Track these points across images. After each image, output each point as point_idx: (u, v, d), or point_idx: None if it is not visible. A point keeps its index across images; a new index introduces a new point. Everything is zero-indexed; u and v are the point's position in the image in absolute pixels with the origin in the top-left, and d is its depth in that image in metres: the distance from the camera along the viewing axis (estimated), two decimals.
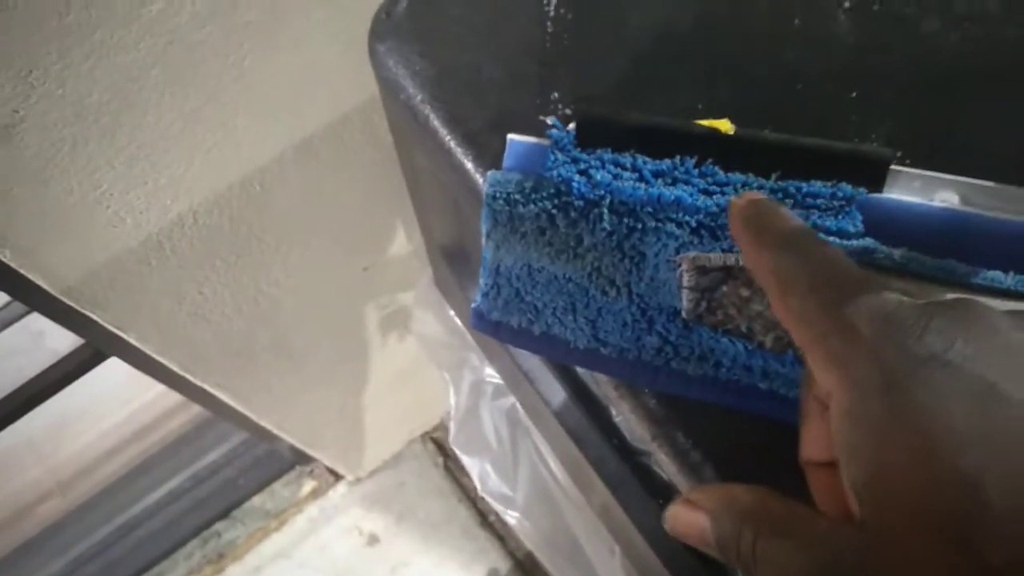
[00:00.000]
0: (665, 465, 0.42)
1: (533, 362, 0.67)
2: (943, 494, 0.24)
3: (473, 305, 0.43)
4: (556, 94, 0.43)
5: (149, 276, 0.66)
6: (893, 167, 0.37)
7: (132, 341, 0.73)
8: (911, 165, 0.38)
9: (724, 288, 0.38)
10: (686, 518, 0.31)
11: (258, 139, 0.61)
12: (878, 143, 0.41)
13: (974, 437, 0.24)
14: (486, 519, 1.56)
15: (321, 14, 0.55)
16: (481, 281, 0.43)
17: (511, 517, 0.82)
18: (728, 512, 0.29)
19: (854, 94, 0.42)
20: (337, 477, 1.62)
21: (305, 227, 0.74)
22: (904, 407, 0.25)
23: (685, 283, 0.38)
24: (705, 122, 0.39)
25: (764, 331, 0.38)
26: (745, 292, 0.38)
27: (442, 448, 1.62)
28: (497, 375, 0.81)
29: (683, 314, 0.39)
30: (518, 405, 0.81)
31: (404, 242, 0.86)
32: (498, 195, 0.40)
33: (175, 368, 0.81)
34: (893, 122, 0.42)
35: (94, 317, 0.66)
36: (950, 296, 0.28)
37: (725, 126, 0.38)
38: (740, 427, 0.40)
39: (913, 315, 0.26)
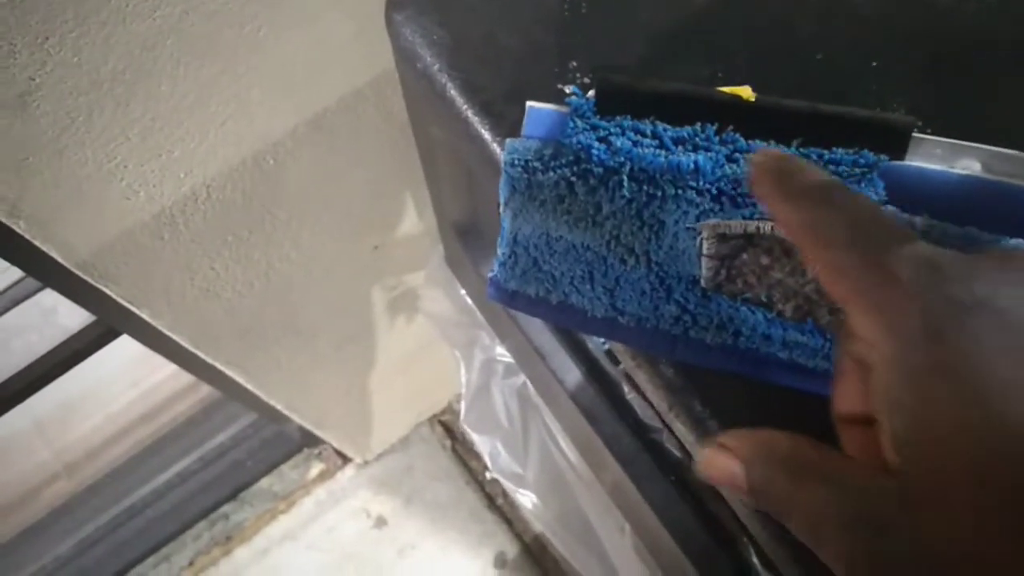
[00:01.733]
0: (682, 435, 0.42)
1: (545, 339, 0.67)
2: (988, 443, 0.23)
3: (490, 274, 0.43)
4: (574, 63, 0.43)
5: (162, 250, 0.66)
6: (915, 134, 0.37)
7: (144, 317, 0.73)
8: (932, 134, 0.38)
9: (744, 256, 0.38)
10: (719, 463, 0.30)
11: (272, 113, 0.61)
12: (899, 112, 0.41)
13: (1016, 383, 0.24)
14: (493, 502, 1.57)
15: None
16: (498, 250, 0.43)
17: (521, 495, 0.83)
18: (762, 458, 0.29)
19: (874, 64, 0.42)
20: (345, 460, 1.62)
21: (317, 203, 0.74)
22: (950, 355, 0.25)
23: (705, 251, 0.38)
24: (726, 89, 0.38)
25: (784, 300, 0.38)
26: (765, 260, 0.37)
27: (450, 431, 1.63)
28: (508, 354, 0.81)
29: (702, 283, 0.39)
30: (529, 384, 0.81)
31: (415, 221, 0.86)
32: (516, 162, 0.39)
33: (186, 345, 0.81)
34: (913, 92, 0.41)
35: (107, 291, 0.66)
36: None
37: (746, 93, 0.38)
38: (758, 396, 0.40)
39: (959, 263, 0.26)
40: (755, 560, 0.57)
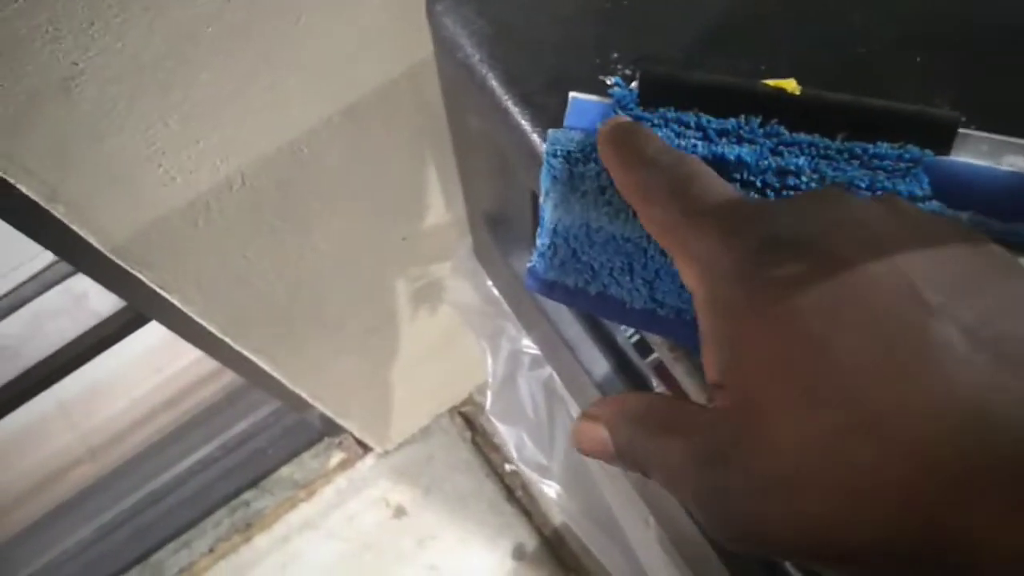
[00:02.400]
0: None
1: (574, 331, 0.68)
2: (794, 361, 0.24)
3: (528, 265, 0.43)
4: (615, 54, 0.43)
5: (196, 237, 0.66)
6: (961, 130, 0.37)
7: (175, 302, 0.74)
8: (978, 130, 0.38)
9: None
10: (589, 433, 0.31)
11: (308, 101, 0.61)
12: (944, 108, 0.41)
13: (819, 307, 0.25)
14: (513, 494, 1.57)
15: None
16: (538, 241, 0.43)
17: (546, 487, 0.83)
18: (623, 420, 0.30)
19: (918, 59, 0.42)
20: (365, 449, 1.63)
21: (349, 193, 0.74)
22: (753, 289, 0.26)
23: None
24: (771, 82, 0.38)
25: None
26: None
27: (470, 423, 1.63)
28: (534, 346, 0.82)
29: None
30: (555, 376, 0.81)
31: (443, 212, 0.87)
32: (558, 153, 0.40)
33: (215, 331, 0.82)
34: (958, 88, 0.41)
35: (140, 277, 0.67)
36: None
37: (791, 86, 0.38)
38: None
39: (764, 204, 0.29)
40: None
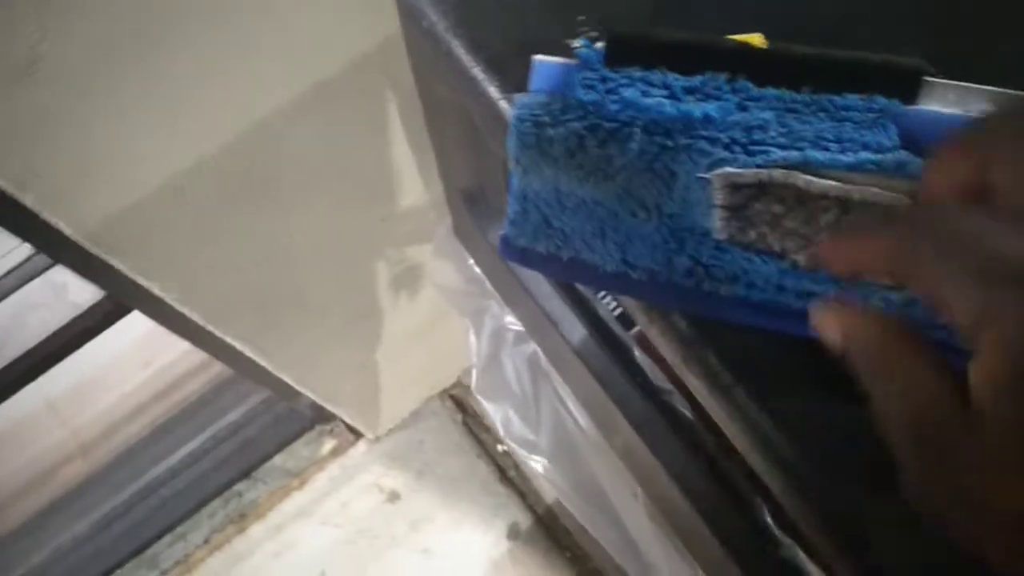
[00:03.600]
0: (695, 388, 0.42)
1: (555, 304, 0.67)
2: None
3: (501, 232, 0.43)
4: (581, 16, 0.43)
5: (169, 224, 0.66)
6: (927, 79, 0.36)
7: (154, 291, 0.73)
8: (946, 78, 0.37)
9: (757, 205, 0.37)
10: (826, 328, 0.31)
11: (278, 82, 0.60)
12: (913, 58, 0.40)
13: None
14: (505, 474, 1.57)
15: None
16: (508, 208, 0.42)
17: (534, 462, 0.83)
18: (859, 341, 0.30)
19: (887, 9, 0.41)
20: (357, 435, 1.63)
21: (324, 175, 0.73)
22: None
23: (717, 201, 0.38)
24: (737, 37, 0.38)
25: (797, 249, 0.38)
26: (778, 208, 0.37)
27: (460, 405, 1.63)
28: (518, 322, 0.82)
29: (715, 234, 0.38)
30: (539, 351, 0.81)
31: (422, 192, 0.86)
32: (525, 118, 0.39)
33: (198, 320, 0.81)
34: (928, 37, 0.41)
35: (116, 265, 0.66)
36: None
37: (757, 40, 0.38)
38: (772, 347, 0.40)
39: None
40: (769, 520, 0.57)
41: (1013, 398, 0.24)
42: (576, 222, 0.41)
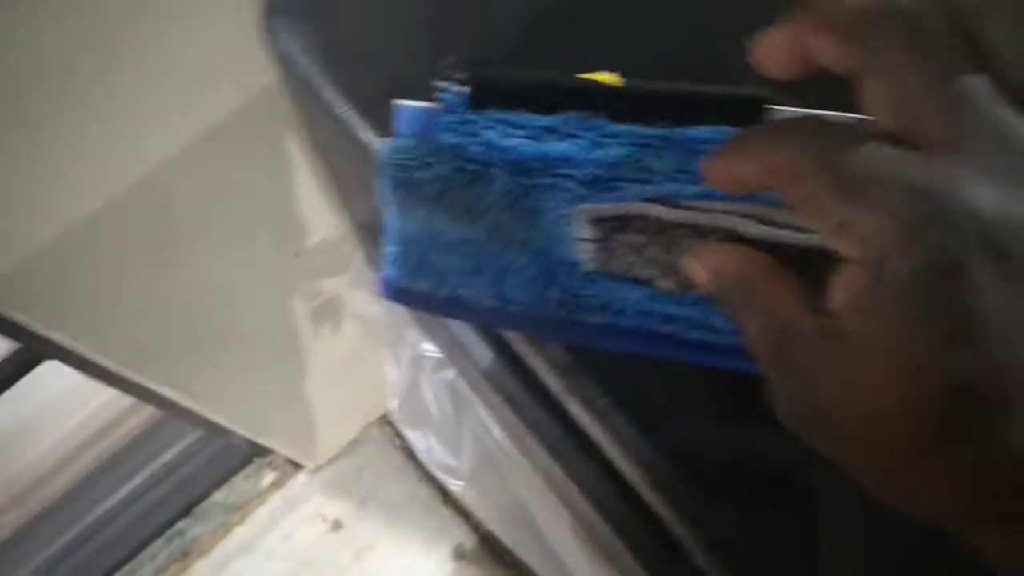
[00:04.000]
0: (578, 415, 0.43)
1: (464, 330, 0.68)
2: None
3: (380, 275, 0.44)
4: (449, 59, 0.44)
5: (70, 274, 0.65)
6: (769, 106, 0.38)
7: (64, 342, 0.73)
8: (807, 106, 0.39)
9: (619, 236, 0.39)
10: (694, 271, 0.34)
11: (166, 129, 0.61)
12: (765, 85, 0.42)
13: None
14: (448, 496, 1.57)
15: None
16: (385, 250, 0.43)
17: (456, 486, 0.83)
18: (719, 275, 0.33)
19: (745, 38, 0.43)
20: (296, 466, 1.62)
21: (228, 215, 0.73)
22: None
23: (581, 235, 0.39)
24: (592, 75, 0.39)
25: (663, 276, 0.39)
26: (639, 239, 0.38)
27: (399, 430, 1.63)
28: (436, 349, 0.82)
29: (582, 266, 0.40)
30: (459, 376, 0.81)
31: (334, 225, 0.86)
32: (392, 162, 0.40)
33: (113, 367, 0.81)
34: None
35: (20, 319, 0.66)
36: None
37: (610, 78, 0.39)
38: (644, 372, 0.41)
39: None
40: (679, 533, 0.59)
41: (865, 304, 0.25)
42: (452, 260, 0.42)
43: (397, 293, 0.44)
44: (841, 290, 0.27)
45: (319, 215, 0.83)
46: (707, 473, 0.40)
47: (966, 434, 0.24)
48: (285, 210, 0.79)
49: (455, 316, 0.43)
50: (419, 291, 0.43)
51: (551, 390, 0.57)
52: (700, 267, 0.34)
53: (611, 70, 0.40)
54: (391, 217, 0.42)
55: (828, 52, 0.29)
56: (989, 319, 0.24)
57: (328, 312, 1.04)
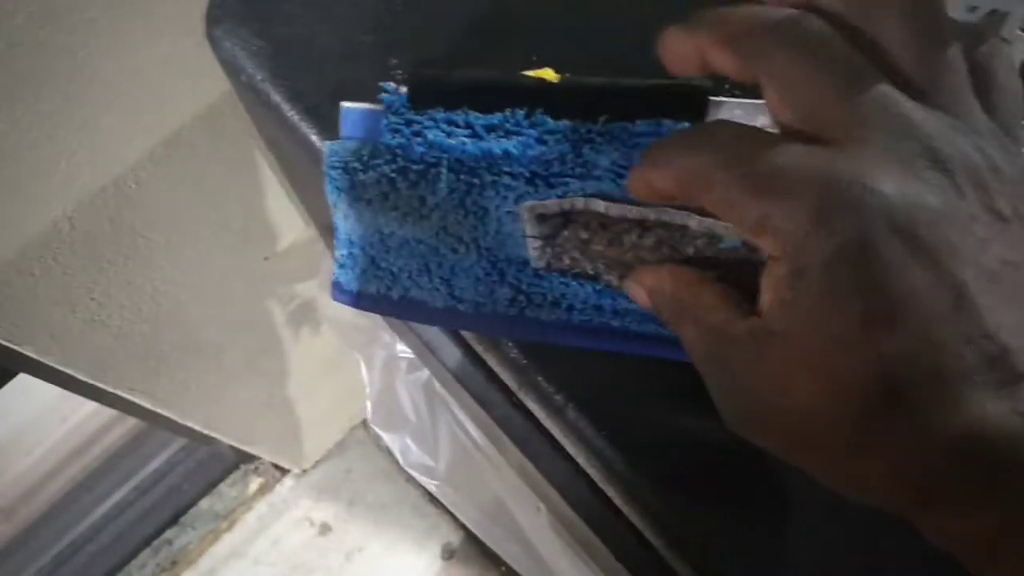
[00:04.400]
0: (535, 411, 0.43)
1: (432, 331, 0.68)
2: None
3: (332, 278, 0.44)
4: (394, 60, 0.44)
5: (35, 287, 0.65)
6: (713, 98, 0.38)
7: (32, 355, 0.73)
8: (743, 95, 0.39)
9: (565, 233, 0.39)
10: (634, 292, 0.36)
11: (125, 136, 0.60)
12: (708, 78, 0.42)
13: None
14: (435, 496, 1.57)
15: (170, 7, 0.55)
16: (336, 253, 0.43)
17: (435, 487, 0.83)
18: (656, 293, 0.34)
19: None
20: (283, 471, 1.62)
21: (193, 220, 0.73)
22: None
23: (528, 232, 0.39)
24: (531, 72, 0.39)
25: (609, 270, 0.39)
26: (584, 234, 0.38)
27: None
28: (409, 350, 0.82)
29: (531, 263, 0.40)
30: (432, 376, 0.81)
31: (303, 228, 0.86)
32: (336, 165, 0.40)
33: (83, 378, 0.81)
34: None
35: None
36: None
37: (549, 75, 0.39)
38: (597, 366, 0.41)
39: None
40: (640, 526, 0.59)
41: (786, 298, 0.26)
42: (401, 261, 0.42)
43: (349, 296, 0.44)
44: (767, 289, 0.27)
45: (287, 219, 0.83)
46: (665, 466, 0.40)
47: (898, 415, 0.24)
48: (251, 216, 0.79)
49: (409, 317, 0.43)
50: (371, 293, 0.43)
51: (510, 388, 0.57)
52: (638, 288, 0.35)
53: (554, 68, 0.40)
54: (339, 220, 0.42)
55: (726, 65, 0.29)
56: (905, 297, 0.24)
57: (305, 315, 1.04)
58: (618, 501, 0.41)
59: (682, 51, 0.31)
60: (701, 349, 0.30)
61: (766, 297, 0.27)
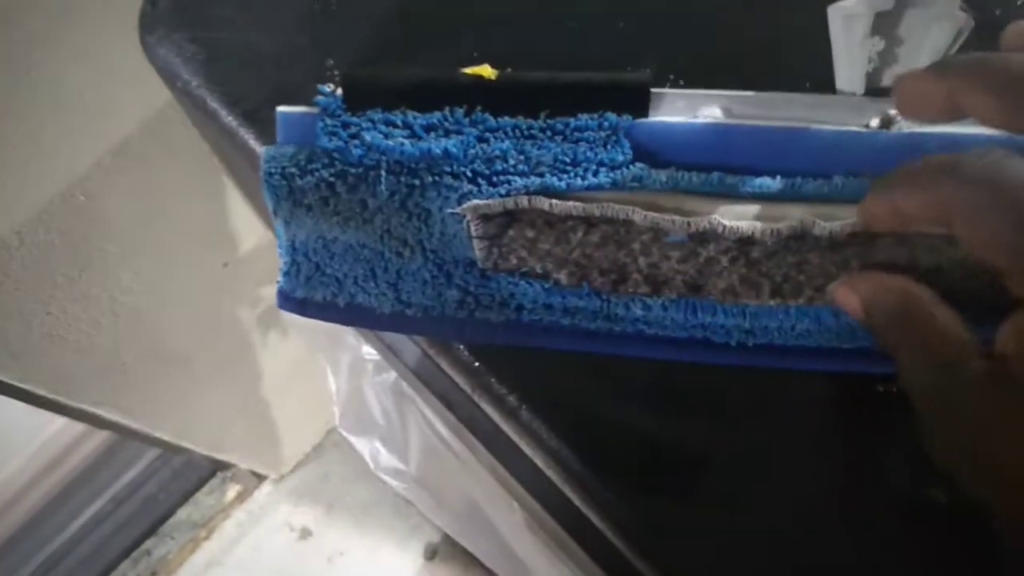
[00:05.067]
0: (490, 413, 0.43)
1: (392, 333, 0.67)
2: None
3: (277, 286, 0.43)
4: (331, 61, 0.43)
5: None
6: (655, 90, 0.37)
7: None
8: (686, 85, 0.38)
9: (511, 232, 0.38)
10: (845, 299, 0.33)
11: (72, 148, 0.59)
12: (651, 69, 0.41)
13: None
14: None
15: (106, 18, 0.54)
16: (280, 260, 0.42)
17: (406, 489, 0.83)
18: (876, 306, 0.32)
19: (621, 25, 0.42)
20: (260, 477, 1.60)
21: (148, 229, 0.72)
22: None
23: (473, 233, 0.38)
24: (469, 70, 0.38)
25: (557, 268, 0.38)
26: (531, 233, 0.38)
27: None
28: (375, 352, 0.81)
29: (479, 263, 0.39)
30: (399, 377, 0.80)
31: (261, 232, 0.85)
32: (274, 171, 0.39)
33: (45, 393, 0.79)
34: (663, 48, 0.42)
35: None
36: None
37: (487, 72, 0.38)
38: (550, 366, 0.40)
39: None
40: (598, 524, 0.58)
41: None
42: (346, 267, 0.41)
43: (296, 304, 0.43)
44: (1013, 335, 0.26)
45: (246, 225, 0.82)
46: (621, 465, 0.39)
47: None
48: (206, 221, 0.78)
49: (357, 324, 0.42)
50: (317, 301, 0.42)
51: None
52: (852, 296, 0.33)
53: (492, 64, 0.40)
54: (280, 226, 0.41)
55: (984, 110, 0.28)
56: None
57: (272, 319, 1.03)
58: (577, 501, 0.41)
59: (929, 93, 0.30)
60: (924, 381, 0.28)
61: (1012, 344, 0.26)
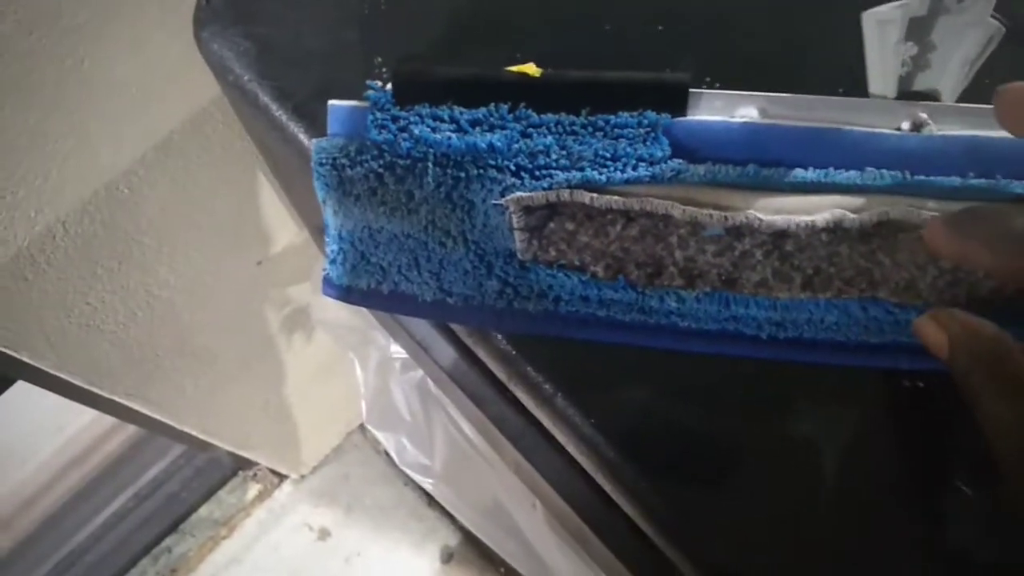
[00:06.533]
0: (525, 401, 0.44)
1: (425, 330, 0.68)
2: None
3: (323, 273, 0.44)
4: (379, 58, 0.44)
5: (29, 292, 0.65)
6: (693, 90, 0.39)
7: (27, 360, 0.73)
8: (722, 87, 0.40)
9: (551, 224, 0.39)
10: (929, 334, 0.32)
11: (115, 142, 0.61)
12: (688, 71, 0.43)
13: None
14: (433, 499, 1.57)
15: (156, 13, 0.55)
16: (327, 248, 0.44)
17: (430, 485, 0.84)
18: (965, 348, 0.31)
19: (660, 28, 0.44)
20: (281, 477, 1.62)
21: (185, 225, 0.74)
22: None
23: (514, 224, 0.39)
24: (514, 68, 0.40)
25: (594, 261, 0.40)
26: (570, 226, 0.39)
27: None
28: (403, 351, 0.82)
29: (518, 255, 0.40)
30: (427, 376, 0.82)
31: (295, 232, 0.87)
32: (325, 162, 0.41)
33: (79, 383, 0.81)
34: (700, 49, 0.43)
35: None
36: None
37: (532, 69, 0.40)
38: (586, 356, 0.41)
39: None
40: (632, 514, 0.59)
41: None
42: (391, 256, 0.42)
43: (341, 291, 0.44)
44: None
45: (280, 223, 0.84)
46: (653, 452, 0.40)
47: None
48: (243, 220, 0.79)
49: (399, 311, 0.44)
50: (362, 288, 0.44)
51: (499, 379, 0.58)
52: (940, 334, 0.32)
53: (536, 63, 0.41)
54: (329, 216, 0.43)
55: None
56: None
57: (299, 320, 1.04)
58: (608, 489, 0.42)
59: None
60: (1008, 430, 0.28)
61: None
